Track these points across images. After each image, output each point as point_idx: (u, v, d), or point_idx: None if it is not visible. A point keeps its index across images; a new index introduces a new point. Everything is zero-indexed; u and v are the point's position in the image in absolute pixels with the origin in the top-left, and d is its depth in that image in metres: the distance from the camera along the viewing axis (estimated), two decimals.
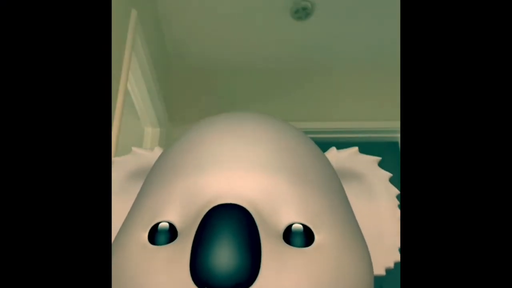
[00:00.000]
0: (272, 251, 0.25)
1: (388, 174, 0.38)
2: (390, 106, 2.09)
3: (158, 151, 0.40)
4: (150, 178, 0.33)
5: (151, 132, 1.95)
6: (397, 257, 0.36)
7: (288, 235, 0.27)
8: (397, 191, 0.38)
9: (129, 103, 1.76)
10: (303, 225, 0.27)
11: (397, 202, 0.38)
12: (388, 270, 0.36)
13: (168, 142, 2.00)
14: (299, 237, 0.27)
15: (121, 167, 0.40)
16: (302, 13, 1.87)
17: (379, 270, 0.35)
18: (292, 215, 0.28)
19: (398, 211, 0.37)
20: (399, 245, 0.36)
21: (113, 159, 0.41)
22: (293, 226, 0.27)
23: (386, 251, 0.36)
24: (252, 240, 0.25)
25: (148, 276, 0.26)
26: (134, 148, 0.41)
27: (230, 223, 0.25)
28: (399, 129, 1.85)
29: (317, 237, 0.27)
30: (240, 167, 0.29)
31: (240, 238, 0.24)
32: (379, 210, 0.37)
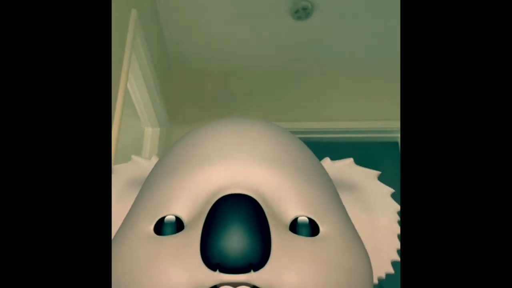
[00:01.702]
0: (281, 238, 0.26)
1: (390, 190, 0.39)
2: (390, 106, 2.09)
3: (155, 160, 0.40)
4: (152, 177, 0.34)
5: (151, 132, 1.95)
6: (389, 269, 0.37)
7: (294, 227, 0.28)
8: (398, 207, 0.38)
9: (129, 103, 1.76)
10: (309, 218, 0.28)
11: (398, 218, 0.38)
12: (380, 280, 0.37)
13: (168, 142, 2.00)
14: (305, 229, 0.28)
15: (120, 175, 0.41)
16: (302, 13, 1.87)
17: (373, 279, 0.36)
18: (297, 208, 0.29)
19: (397, 227, 0.38)
20: (393, 258, 0.37)
21: (113, 167, 0.41)
22: (299, 218, 0.28)
23: (380, 262, 0.37)
24: (262, 226, 0.25)
25: (157, 264, 0.26)
26: (133, 157, 0.41)
27: (239, 210, 0.26)
28: (399, 129, 1.85)
29: (322, 229, 0.28)
30: (246, 160, 0.30)
31: (250, 223, 0.25)
32: (377, 223, 0.38)
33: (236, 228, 0.24)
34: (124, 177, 0.41)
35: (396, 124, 2.05)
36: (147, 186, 0.33)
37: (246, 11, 1.90)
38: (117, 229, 0.38)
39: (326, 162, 0.38)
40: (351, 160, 0.39)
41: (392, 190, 0.39)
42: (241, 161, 0.30)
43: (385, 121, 2.08)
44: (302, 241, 0.27)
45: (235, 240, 0.24)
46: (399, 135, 1.95)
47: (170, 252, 0.26)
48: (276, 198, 0.29)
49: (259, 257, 0.24)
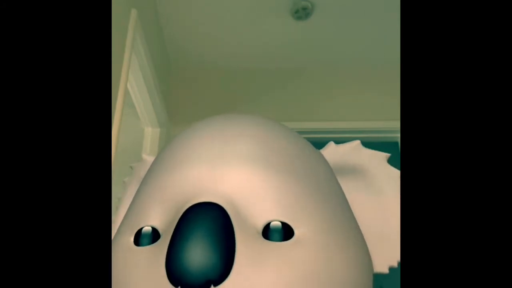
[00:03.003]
0: (248, 248, 0.26)
1: (398, 172, 0.37)
2: (390, 106, 2.09)
3: None
4: (143, 179, 0.35)
5: (151, 132, 1.95)
6: (400, 257, 0.35)
7: (267, 232, 0.27)
8: None
9: (129, 103, 1.76)
10: (282, 222, 0.27)
11: None
12: (391, 269, 0.35)
13: (168, 142, 1.99)
14: (278, 234, 0.27)
15: (136, 173, 0.42)
16: (302, 13, 1.88)
17: (383, 268, 0.35)
18: (270, 211, 0.28)
19: None
20: None
21: (130, 165, 0.43)
22: (272, 223, 0.27)
23: (390, 249, 0.35)
24: (226, 237, 0.25)
25: (129, 277, 0.27)
26: (144, 155, 0.42)
27: (203, 222, 0.26)
28: (399, 129, 1.85)
29: (296, 232, 0.27)
30: (218, 162, 0.29)
31: (212, 236, 0.25)
32: (385, 207, 0.36)
33: (196, 243, 0.24)
34: (137, 176, 0.42)
35: (396, 124, 2.06)
36: (135, 193, 0.34)
37: (246, 11, 1.90)
38: None
39: (330, 147, 0.37)
40: (358, 142, 0.37)
41: (400, 172, 0.37)
42: (212, 164, 0.29)
43: (385, 121, 2.08)
44: (271, 248, 0.26)
45: (193, 256, 0.24)
46: (399, 135, 1.95)
47: (141, 267, 0.27)
48: (248, 203, 0.28)
49: (218, 272, 0.24)
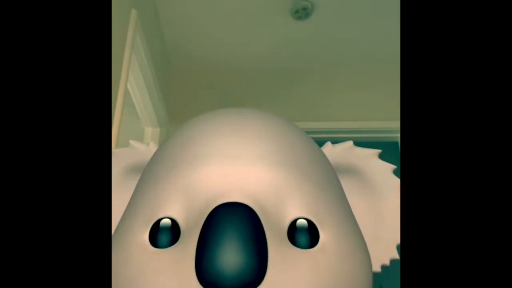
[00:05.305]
0: (278, 252, 0.25)
1: (391, 166, 0.37)
2: (390, 106, 2.09)
3: (153, 147, 0.39)
4: (148, 173, 0.32)
5: (151, 132, 1.95)
6: (394, 254, 0.35)
7: (293, 232, 0.27)
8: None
9: (129, 103, 1.76)
10: (308, 220, 0.27)
11: None
12: (383, 267, 0.35)
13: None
14: (304, 235, 0.27)
15: (119, 160, 0.40)
16: (302, 13, 1.88)
17: (375, 267, 0.35)
18: (297, 209, 0.27)
19: None
20: (399, 242, 0.35)
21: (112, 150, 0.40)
22: (298, 221, 0.27)
23: (384, 248, 0.35)
24: (259, 240, 0.25)
25: (151, 280, 0.25)
26: (131, 142, 0.40)
27: (235, 223, 0.25)
28: (399, 129, 1.85)
29: (321, 234, 0.27)
30: (244, 161, 0.29)
31: (246, 238, 0.24)
32: (380, 205, 0.36)
33: (231, 244, 0.24)
34: (122, 163, 0.39)
35: (396, 124, 2.06)
36: (142, 185, 0.32)
37: (246, 11, 1.90)
38: (115, 220, 0.37)
39: (327, 147, 0.37)
40: (350, 142, 0.37)
41: (393, 167, 0.37)
42: (237, 163, 0.28)
43: (385, 121, 2.08)
44: (300, 254, 0.26)
45: (229, 259, 0.23)
46: (399, 135, 1.95)
47: (165, 268, 0.25)
48: (274, 199, 0.27)
49: (254, 276, 0.23)
